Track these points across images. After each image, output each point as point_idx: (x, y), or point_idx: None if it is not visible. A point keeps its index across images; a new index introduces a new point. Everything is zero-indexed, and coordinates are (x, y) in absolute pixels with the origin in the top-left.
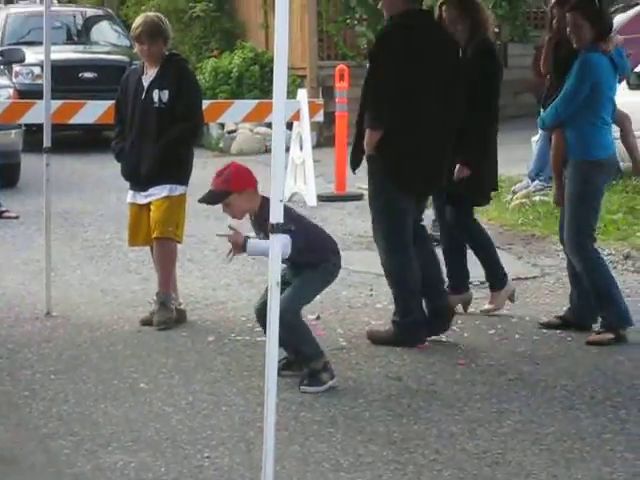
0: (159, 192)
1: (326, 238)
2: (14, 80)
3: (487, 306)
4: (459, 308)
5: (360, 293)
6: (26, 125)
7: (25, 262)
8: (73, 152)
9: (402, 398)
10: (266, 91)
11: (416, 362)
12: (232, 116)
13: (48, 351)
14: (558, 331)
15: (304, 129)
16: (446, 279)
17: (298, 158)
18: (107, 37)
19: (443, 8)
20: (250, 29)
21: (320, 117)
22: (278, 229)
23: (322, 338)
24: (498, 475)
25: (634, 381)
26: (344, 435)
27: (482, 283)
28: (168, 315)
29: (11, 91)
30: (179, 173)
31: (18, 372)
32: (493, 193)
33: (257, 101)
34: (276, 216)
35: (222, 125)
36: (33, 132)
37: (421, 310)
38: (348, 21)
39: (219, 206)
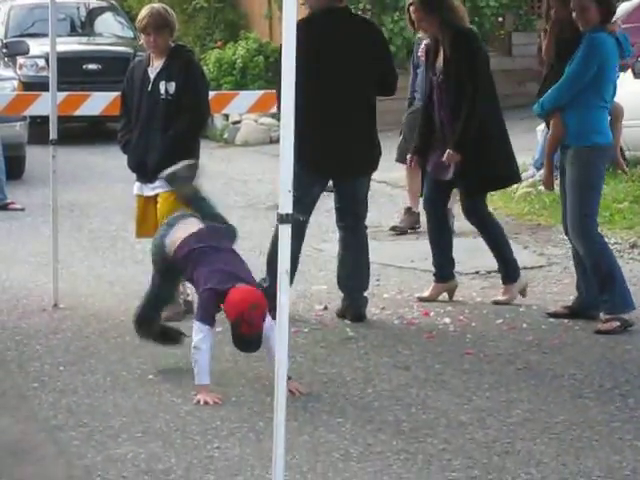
0: (166, 184)
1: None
2: (19, 72)
3: (500, 297)
4: (444, 296)
5: None
6: (31, 117)
7: (32, 254)
8: (78, 144)
9: (411, 388)
10: (270, 82)
11: (424, 352)
12: (237, 107)
13: (56, 343)
14: (566, 320)
15: None
16: (434, 269)
17: None
18: (111, 28)
19: (411, 9)
20: (254, 20)
21: None
22: (287, 219)
23: (329, 328)
24: (507, 464)
25: None
26: (353, 425)
27: (489, 273)
28: (176, 310)
29: (16, 83)
30: None
31: (27, 364)
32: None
33: (262, 92)
34: (285, 206)
35: (227, 116)
36: (38, 124)
37: None
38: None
39: (224, 193)
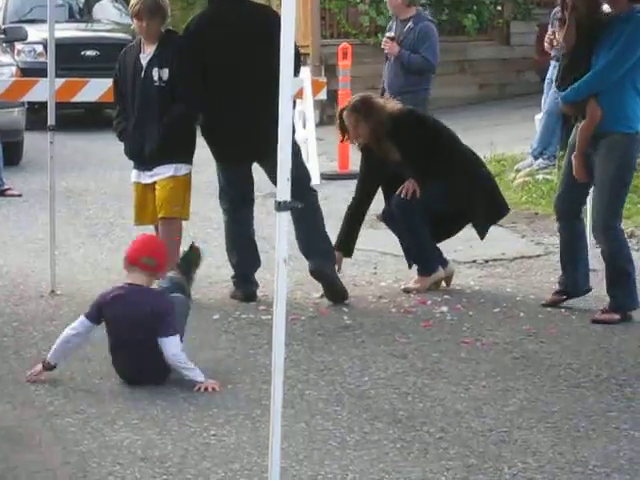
0: (164, 172)
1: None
2: (17, 58)
3: (411, 285)
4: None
5: (364, 271)
6: (28, 103)
7: (29, 240)
8: (75, 130)
9: (407, 376)
10: None
11: (421, 340)
12: None
13: (53, 329)
14: (563, 309)
15: (307, 107)
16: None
17: (301, 136)
18: (109, 15)
19: (344, 114)
20: None
21: (323, 95)
22: (285, 207)
23: (327, 316)
24: (504, 453)
25: (639, 359)
26: (350, 413)
27: (486, 261)
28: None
29: (14, 69)
30: (183, 152)
31: (23, 350)
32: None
33: None
34: (283, 194)
35: None
36: (35, 110)
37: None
38: None
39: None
